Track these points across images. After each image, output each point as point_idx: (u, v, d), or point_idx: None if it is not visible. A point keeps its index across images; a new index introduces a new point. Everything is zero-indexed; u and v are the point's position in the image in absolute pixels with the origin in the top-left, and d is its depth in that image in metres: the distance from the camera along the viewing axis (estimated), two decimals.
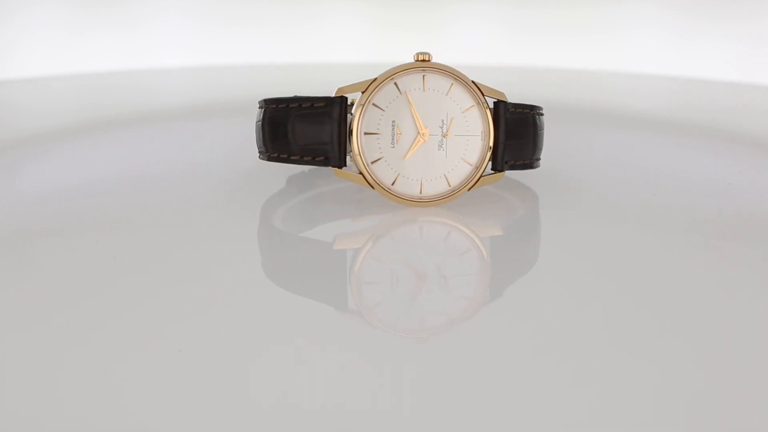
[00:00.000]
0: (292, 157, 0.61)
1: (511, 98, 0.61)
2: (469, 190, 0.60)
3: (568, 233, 0.59)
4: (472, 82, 0.59)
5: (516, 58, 1.44)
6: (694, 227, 0.61)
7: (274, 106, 0.61)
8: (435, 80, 0.59)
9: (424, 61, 0.59)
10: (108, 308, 0.45)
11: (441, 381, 0.39)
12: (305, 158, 0.60)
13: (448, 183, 0.60)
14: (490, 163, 0.60)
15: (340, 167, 0.60)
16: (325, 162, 0.60)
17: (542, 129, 0.63)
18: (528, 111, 0.61)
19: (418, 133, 0.59)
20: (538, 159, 0.64)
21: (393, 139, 0.59)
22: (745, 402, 0.38)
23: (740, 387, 0.39)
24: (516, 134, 0.61)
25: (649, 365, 0.41)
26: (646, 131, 0.97)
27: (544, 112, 0.64)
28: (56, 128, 0.96)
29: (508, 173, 0.63)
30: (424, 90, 0.59)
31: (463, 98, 0.59)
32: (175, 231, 0.59)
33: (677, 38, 1.44)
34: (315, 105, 0.59)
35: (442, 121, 0.59)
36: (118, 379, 0.39)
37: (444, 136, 0.59)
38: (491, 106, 0.60)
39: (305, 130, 0.60)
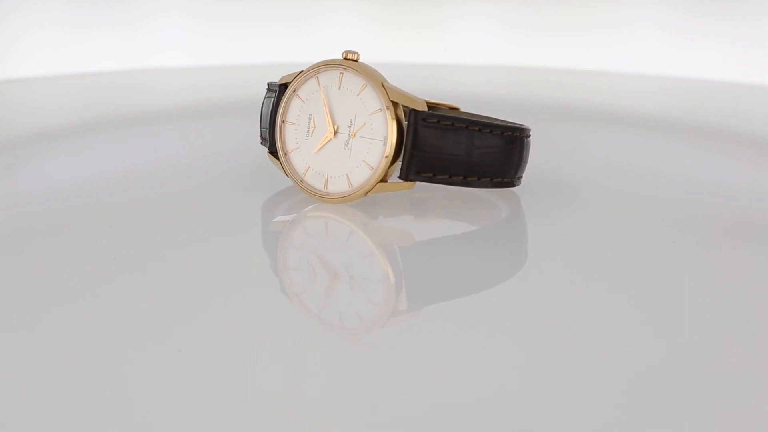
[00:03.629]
0: (261, 141, 0.65)
1: (508, 98, 0.60)
2: (365, 194, 0.59)
3: (553, 235, 0.58)
4: (382, 85, 0.58)
5: (516, 58, 1.44)
6: (690, 228, 0.61)
7: (267, 91, 0.64)
8: (350, 79, 0.59)
9: (347, 59, 0.59)
10: (107, 308, 0.45)
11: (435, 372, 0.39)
12: (263, 142, 0.65)
13: (350, 183, 0.59)
14: (400, 170, 0.58)
15: (274, 153, 0.62)
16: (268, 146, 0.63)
17: (501, 147, 0.58)
18: (463, 126, 0.57)
19: (327, 129, 0.59)
20: (499, 179, 0.59)
21: (308, 131, 0.60)
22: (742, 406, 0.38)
23: (738, 387, 0.39)
24: (432, 146, 0.57)
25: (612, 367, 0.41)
26: (645, 131, 0.96)
27: (512, 131, 0.59)
28: (56, 128, 0.96)
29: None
30: (339, 88, 0.59)
31: (371, 101, 0.58)
32: (175, 231, 0.59)
33: (677, 38, 1.44)
34: (274, 92, 0.62)
35: (351, 120, 0.59)
36: (118, 378, 0.39)
37: (350, 136, 0.59)
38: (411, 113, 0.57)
39: (262, 115, 0.64)
